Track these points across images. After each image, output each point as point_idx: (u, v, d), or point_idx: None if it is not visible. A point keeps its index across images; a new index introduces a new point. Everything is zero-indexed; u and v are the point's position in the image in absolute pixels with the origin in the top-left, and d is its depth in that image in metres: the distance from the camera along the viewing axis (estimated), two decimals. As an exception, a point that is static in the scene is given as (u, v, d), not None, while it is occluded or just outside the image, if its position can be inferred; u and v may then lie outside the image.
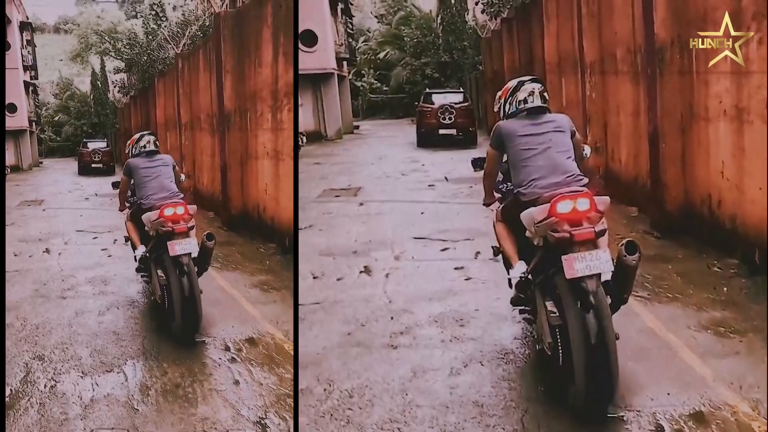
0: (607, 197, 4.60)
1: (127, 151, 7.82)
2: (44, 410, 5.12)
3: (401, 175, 15.30)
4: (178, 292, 6.33)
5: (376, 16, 38.56)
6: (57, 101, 32.90)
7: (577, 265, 4.21)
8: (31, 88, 29.57)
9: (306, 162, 17.70)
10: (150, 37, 24.15)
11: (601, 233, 4.39)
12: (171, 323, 6.55)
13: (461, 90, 24.96)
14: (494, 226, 5.42)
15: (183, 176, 8.09)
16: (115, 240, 10.86)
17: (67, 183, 23.22)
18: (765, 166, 6.43)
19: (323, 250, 8.76)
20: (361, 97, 36.26)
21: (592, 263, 4.22)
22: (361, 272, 7.75)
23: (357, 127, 29.21)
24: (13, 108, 26.62)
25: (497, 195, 5.63)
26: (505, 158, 5.17)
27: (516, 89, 5.17)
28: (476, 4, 23.05)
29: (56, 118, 32.27)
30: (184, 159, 16.67)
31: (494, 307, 6.32)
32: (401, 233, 9.49)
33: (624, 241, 4.31)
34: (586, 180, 4.80)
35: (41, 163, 30.37)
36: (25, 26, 29.67)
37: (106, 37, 31.78)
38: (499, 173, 5.50)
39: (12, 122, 26.42)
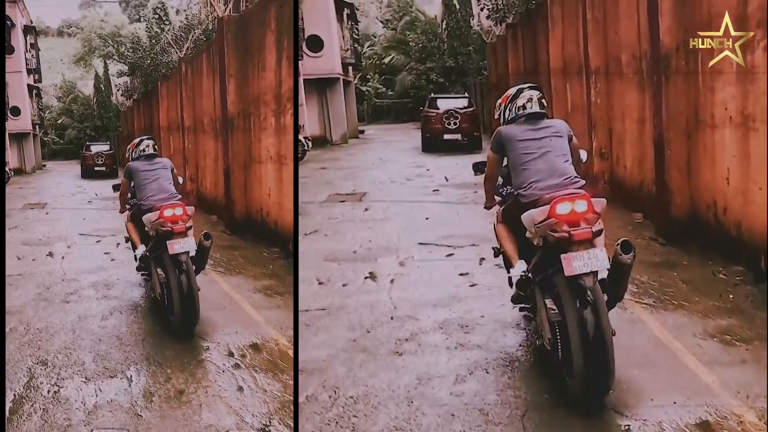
0: (604, 199, 4.80)
1: (127, 155, 8.10)
2: (47, 416, 5.11)
3: (406, 180, 15.26)
4: (176, 289, 6.64)
5: (381, 22, 38.52)
6: (60, 104, 32.88)
7: (576, 263, 4.44)
8: (34, 92, 29.57)
9: (311, 167, 17.68)
10: (153, 40, 24.13)
11: (598, 233, 4.64)
12: (170, 319, 6.81)
13: (466, 95, 24.90)
14: (495, 227, 5.63)
15: (181, 179, 8.31)
16: (118, 244, 10.84)
17: (70, 186, 23.18)
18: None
19: (328, 255, 8.73)
20: (366, 102, 36.18)
21: (589, 261, 4.45)
22: (366, 278, 7.73)
23: (362, 132, 29.14)
24: (16, 111, 26.61)
25: (497, 198, 5.83)
26: (505, 162, 5.36)
27: (515, 96, 5.37)
28: (481, 9, 22.95)
29: (59, 121, 32.22)
30: (187, 162, 16.64)
31: (499, 313, 6.30)
32: (406, 238, 9.47)
33: (619, 241, 4.51)
34: (583, 182, 4.99)
35: (44, 165, 30.32)
36: (29, 30, 29.67)
37: (109, 41, 31.80)
38: (499, 178, 5.70)
39: (15, 125, 26.40)
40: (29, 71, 29.20)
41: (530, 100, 5.28)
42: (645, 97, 9.32)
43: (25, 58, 28.57)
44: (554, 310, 4.71)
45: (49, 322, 7.40)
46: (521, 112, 5.29)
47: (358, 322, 6.33)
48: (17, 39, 27.65)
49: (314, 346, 5.82)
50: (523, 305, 5.43)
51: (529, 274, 5.02)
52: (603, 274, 4.60)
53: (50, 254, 11.15)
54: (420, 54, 33.67)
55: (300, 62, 21.84)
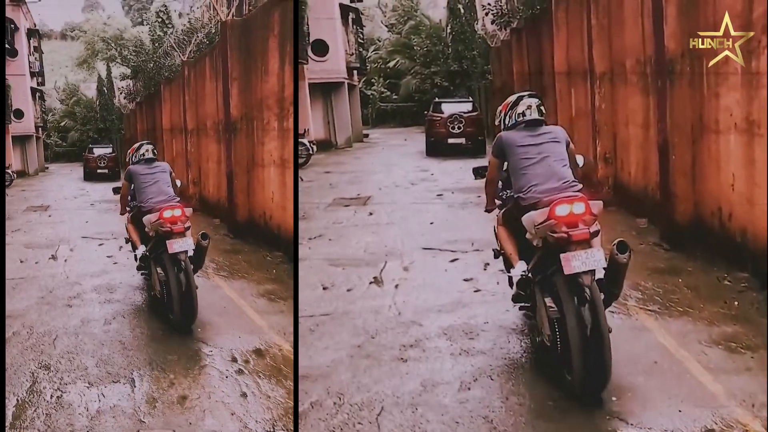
0: (600, 201, 5.01)
1: (127, 159, 8.41)
2: (50, 421, 5.10)
3: (410, 184, 15.24)
4: (176, 287, 6.94)
5: (386, 26, 38.51)
6: (63, 107, 32.88)
7: (574, 262, 4.66)
8: (37, 94, 29.61)
9: (316, 170, 17.67)
10: (156, 44, 24.11)
11: (595, 234, 4.85)
12: (170, 316, 7.09)
13: (470, 99, 24.89)
14: (495, 229, 5.86)
15: (179, 182, 8.50)
16: (121, 247, 10.82)
17: (72, 188, 23.19)
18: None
19: (333, 260, 8.72)
20: (370, 106, 36.19)
21: (587, 260, 4.67)
22: (370, 283, 7.71)
23: (366, 136, 29.16)
24: (19, 114, 26.65)
25: (498, 201, 6.00)
26: (505, 166, 5.57)
27: (515, 103, 5.59)
28: (486, 14, 22.89)
29: (62, 124, 32.23)
30: (189, 166, 16.64)
31: (504, 319, 6.29)
32: (410, 243, 9.46)
33: (616, 241, 4.68)
34: (580, 186, 5.21)
35: (47, 168, 30.36)
36: (32, 33, 29.74)
37: (112, 44, 31.78)
38: (499, 182, 5.87)
39: (18, 128, 26.44)
40: (32, 74, 29.27)
41: (529, 107, 5.48)
42: (649, 102, 9.31)
43: (29, 61, 28.64)
44: (553, 308, 4.87)
45: (52, 326, 7.39)
46: (521, 118, 5.49)
47: (363, 328, 6.32)
48: (20, 42, 27.71)
49: (319, 352, 5.81)
50: (523, 304, 5.64)
51: (529, 274, 5.23)
52: (600, 275, 4.78)
53: (53, 257, 11.14)
54: (424, 58, 33.66)
55: (306, 67, 21.87)
